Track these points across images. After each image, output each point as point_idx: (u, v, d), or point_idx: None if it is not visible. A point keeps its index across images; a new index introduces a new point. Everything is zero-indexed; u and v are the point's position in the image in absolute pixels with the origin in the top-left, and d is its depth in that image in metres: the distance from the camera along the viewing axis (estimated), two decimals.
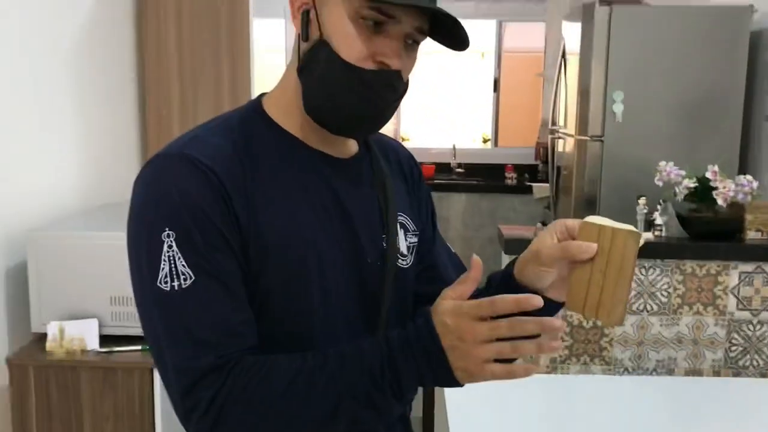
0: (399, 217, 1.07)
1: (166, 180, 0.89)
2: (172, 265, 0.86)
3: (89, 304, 1.97)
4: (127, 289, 1.99)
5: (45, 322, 1.96)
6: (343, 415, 0.88)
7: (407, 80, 0.97)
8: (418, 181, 1.17)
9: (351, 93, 0.92)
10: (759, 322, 2.62)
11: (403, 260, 1.06)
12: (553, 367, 2.66)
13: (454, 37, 0.94)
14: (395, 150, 1.16)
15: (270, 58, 3.08)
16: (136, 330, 1.98)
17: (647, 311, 2.62)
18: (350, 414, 0.88)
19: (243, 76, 2.75)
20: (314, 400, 0.88)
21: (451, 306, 0.88)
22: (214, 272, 0.88)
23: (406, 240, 1.07)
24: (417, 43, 0.95)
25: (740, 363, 2.64)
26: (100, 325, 1.96)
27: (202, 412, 0.88)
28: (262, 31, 2.90)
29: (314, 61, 0.93)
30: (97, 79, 2.50)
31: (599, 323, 2.63)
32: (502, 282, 1.04)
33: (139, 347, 1.95)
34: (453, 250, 1.24)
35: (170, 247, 0.86)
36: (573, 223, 1.00)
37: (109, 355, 1.93)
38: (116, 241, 1.98)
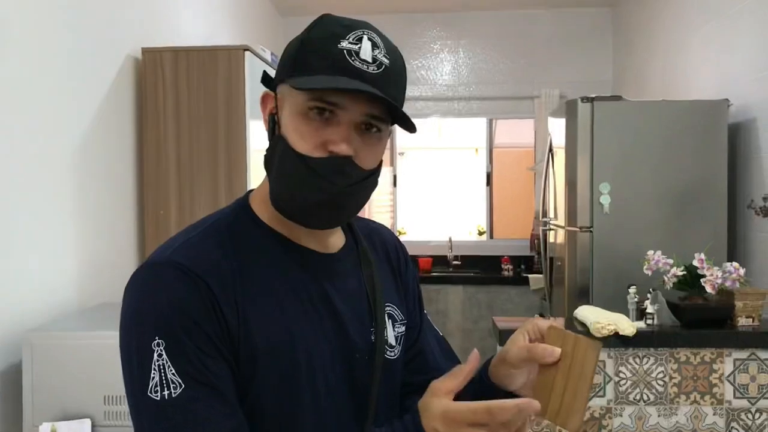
0: (387, 308, 1.08)
1: (155, 288, 0.91)
2: (162, 375, 0.87)
3: (82, 404, 1.97)
4: (121, 388, 1.99)
5: (37, 423, 1.95)
6: None
7: (372, 168, 0.98)
8: (404, 264, 1.18)
9: (302, 181, 0.94)
10: (758, 410, 2.60)
11: (391, 351, 1.07)
12: None
13: (406, 121, 0.97)
14: (381, 235, 1.18)
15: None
16: (129, 429, 1.97)
17: (644, 401, 2.60)
18: None
19: (239, 176, 2.83)
20: None
21: (442, 410, 0.89)
22: (205, 379, 0.89)
23: (394, 330, 1.08)
24: (379, 130, 0.96)
25: None
26: (93, 425, 1.95)
27: None
28: (258, 133, 3.01)
29: (273, 155, 0.98)
30: (97, 181, 2.58)
31: (596, 414, 2.61)
32: (475, 381, 1.04)
33: None
34: (441, 334, 1.24)
35: (160, 355, 0.87)
36: (545, 324, 1.02)
37: None
38: (111, 340, 2.00)
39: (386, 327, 1.06)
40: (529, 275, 4.93)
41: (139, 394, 0.89)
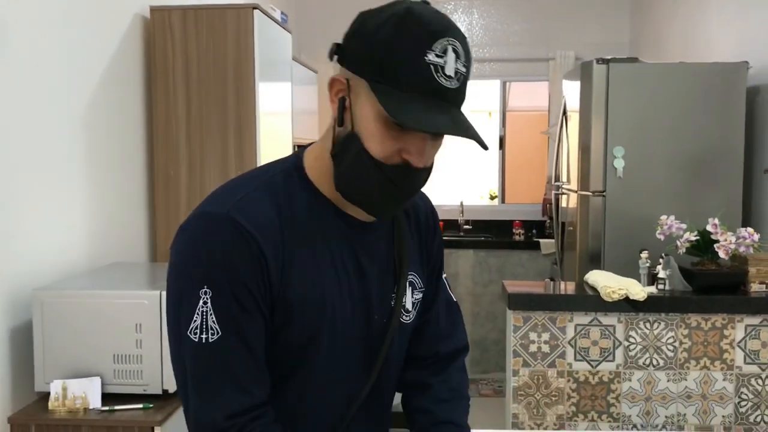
0: (409, 276, 1.14)
1: (212, 240, 0.98)
2: (204, 320, 0.97)
3: (92, 362, 1.99)
4: (130, 347, 2.01)
5: (48, 380, 1.97)
6: None
7: (432, 164, 1.04)
8: (432, 232, 1.23)
9: (375, 186, 1.00)
10: None
11: (406, 316, 1.14)
12: (560, 425, 2.62)
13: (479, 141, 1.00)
14: (416, 204, 1.22)
15: (275, 119, 3.16)
16: (138, 388, 1.99)
17: (653, 366, 2.60)
18: None
19: (249, 137, 2.81)
20: None
21: None
22: (241, 333, 0.98)
23: (412, 297, 1.15)
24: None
25: (751, 419, 2.60)
26: (103, 383, 1.97)
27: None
28: (268, 94, 2.98)
29: (345, 151, 1.00)
30: (107, 140, 2.57)
31: (605, 379, 2.60)
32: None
33: (141, 406, 1.95)
34: (454, 299, 1.29)
35: (205, 303, 0.96)
36: None
37: (111, 413, 1.93)
38: (121, 299, 2.02)
39: (406, 294, 1.13)
40: (541, 240, 4.90)
41: (178, 331, 0.99)
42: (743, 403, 2.59)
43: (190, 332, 0.97)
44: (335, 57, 1.01)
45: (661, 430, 2.58)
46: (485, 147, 0.99)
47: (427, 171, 1.02)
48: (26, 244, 2.11)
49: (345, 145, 1.00)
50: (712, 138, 3.18)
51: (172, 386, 1.99)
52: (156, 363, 1.97)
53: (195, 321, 0.97)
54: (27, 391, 2.03)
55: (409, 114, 0.93)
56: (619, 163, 3.16)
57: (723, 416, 2.60)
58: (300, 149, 1.13)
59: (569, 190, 3.66)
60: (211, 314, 0.96)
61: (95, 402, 1.95)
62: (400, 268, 1.12)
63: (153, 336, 1.97)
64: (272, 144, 3.03)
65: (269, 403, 1.03)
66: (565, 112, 3.77)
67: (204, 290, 0.97)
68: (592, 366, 2.60)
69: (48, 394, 1.96)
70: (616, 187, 3.18)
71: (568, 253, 3.75)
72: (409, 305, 1.14)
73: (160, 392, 1.98)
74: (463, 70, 0.97)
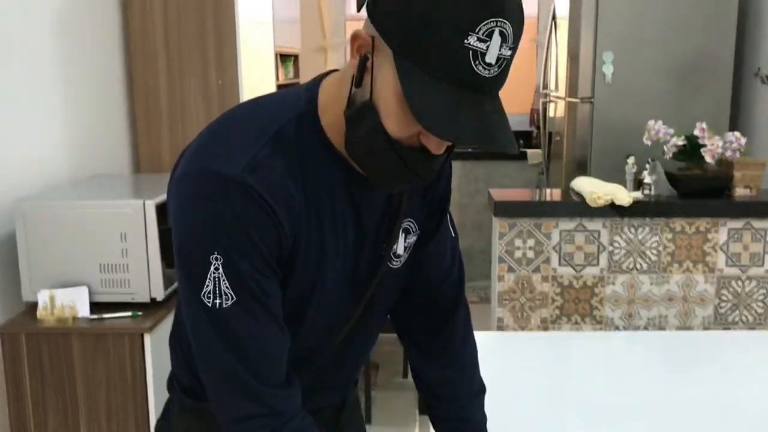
0: (405, 223, 1.09)
1: (222, 204, 0.90)
2: (216, 285, 0.91)
3: (79, 272, 1.99)
4: (116, 257, 2.01)
5: (35, 290, 1.98)
6: None
7: (452, 147, 0.94)
8: (441, 177, 1.14)
9: (387, 165, 0.91)
10: (748, 278, 2.63)
11: (396, 261, 1.09)
12: (543, 328, 2.68)
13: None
14: None
15: (255, 28, 3.07)
16: (126, 296, 2.00)
17: (637, 270, 2.63)
18: None
19: (229, 47, 2.74)
20: None
21: None
22: (256, 297, 0.93)
23: (405, 241, 1.09)
24: None
25: (729, 319, 2.66)
26: (90, 293, 1.98)
27: (284, 418, 0.96)
28: (248, 2, 2.88)
29: (359, 120, 0.90)
30: (83, 51, 2.50)
31: (589, 283, 2.65)
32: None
33: (129, 313, 1.97)
34: (455, 234, 1.21)
35: (216, 269, 0.91)
36: None
37: (100, 321, 1.95)
38: (105, 210, 2.01)
39: (397, 241, 1.08)
40: (528, 150, 4.89)
41: (191, 295, 0.93)
42: (723, 305, 2.65)
43: (204, 296, 0.92)
44: (364, 6, 0.88)
45: (642, 330, 2.65)
46: (515, 152, 0.89)
47: (445, 156, 0.93)
48: (5, 158, 2.07)
49: (360, 114, 0.89)
50: (702, 42, 3.12)
51: (159, 294, 2.00)
52: (143, 272, 1.98)
53: (207, 286, 0.91)
54: (15, 301, 2.04)
55: (431, 111, 0.82)
56: (608, 69, 3.11)
57: (703, 317, 2.66)
58: (317, 79, 1.01)
59: (557, 97, 3.62)
60: (223, 280, 0.91)
61: (84, 311, 1.96)
62: (394, 219, 1.06)
63: (138, 245, 1.97)
64: (253, 54, 2.95)
65: (296, 378, 1.00)
66: (554, 18, 3.69)
67: (215, 256, 0.90)
68: (576, 271, 2.64)
69: (36, 304, 1.97)
70: (605, 94, 3.14)
71: (554, 162, 3.74)
72: (400, 250, 1.09)
73: (148, 300, 2.00)
74: (508, 53, 0.83)
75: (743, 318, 2.65)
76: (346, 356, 1.12)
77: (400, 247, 1.08)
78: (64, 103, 2.38)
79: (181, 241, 0.93)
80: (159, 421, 1.18)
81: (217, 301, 0.91)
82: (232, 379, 0.94)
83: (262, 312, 0.93)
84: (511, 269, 2.64)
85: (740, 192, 2.62)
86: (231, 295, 0.91)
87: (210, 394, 0.98)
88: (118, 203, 2.01)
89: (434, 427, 1.21)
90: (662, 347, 1.96)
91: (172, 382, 1.14)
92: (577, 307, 2.66)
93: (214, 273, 0.90)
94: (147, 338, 1.92)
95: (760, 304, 2.64)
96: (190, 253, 0.92)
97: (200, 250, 0.91)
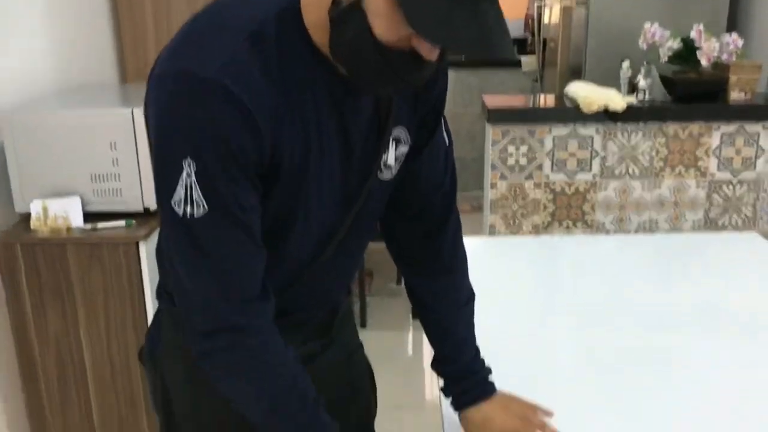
0: (395, 131, 1.04)
1: (197, 106, 0.84)
2: (188, 192, 0.86)
3: (70, 183, 1.98)
4: (107, 166, 2.00)
5: (28, 201, 1.97)
6: None
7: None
8: (434, 79, 1.08)
9: (374, 70, 0.85)
10: (739, 182, 2.65)
11: (386, 172, 1.05)
12: (535, 234, 2.71)
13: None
14: None
15: None
16: (119, 206, 2.00)
17: (629, 175, 2.64)
18: None
19: None
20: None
21: None
22: (231, 209, 0.88)
23: (396, 151, 1.05)
24: None
25: (719, 223, 2.69)
26: (83, 203, 1.98)
27: (215, 359, 0.95)
28: None
29: (345, 21, 0.84)
30: None
31: (581, 189, 2.66)
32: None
33: (123, 222, 1.98)
34: (448, 141, 1.16)
35: (189, 175, 0.86)
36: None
37: (94, 231, 1.96)
38: (93, 119, 1.98)
39: (387, 151, 1.03)
40: (522, 57, 4.81)
41: (163, 200, 0.89)
42: (713, 209, 2.68)
43: (174, 204, 0.87)
44: None
45: (632, 233, 2.68)
46: (514, 58, 0.83)
47: (438, 62, 0.87)
48: None
49: (346, 14, 0.83)
50: None
51: (152, 204, 2.00)
52: (134, 181, 1.97)
53: (177, 192, 0.86)
54: (8, 213, 2.04)
55: (424, 13, 0.77)
56: None
57: (693, 221, 2.69)
58: None
59: (553, 0, 3.54)
60: (195, 188, 0.86)
61: (77, 221, 1.97)
62: (384, 127, 1.01)
63: (129, 154, 1.95)
64: None
65: (269, 292, 0.97)
66: None
67: (187, 161, 0.85)
68: (568, 177, 2.64)
69: (29, 215, 1.97)
70: None
71: (549, 69, 3.68)
72: (391, 160, 1.04)
73: (141, 209, 2.00)
74: None
75: (733, 222, 2.68)
76: (336, 268, 1.10)
77: (390, 157, 1.03)
78: (48, 15, 2.30)
79: (155, 144, 0.89)
80: (150, 329, 1.17)
81: (188, 209, 0.87)
82: (199, 290, 0.91)
83: (234, 225, 0.89)
84: (503, 176, 2.65)
85: (735, 96, 2.60)
86: (202, 204, 0.86)
87: (176, 300, 0.97)
88: (106, 112, 1.98)
89: (426, 335, 1.22)
90: (652, 250, 1.99)
91: (161, 291, 1.13)
92: (569, 213, 2.68)
93: (186, 179, 0.86)
94: (142, 246, 1.94)
95: (750, 208, 2.66)
96: (164, 157, 0.88)
97: (173, 154, 0.86)
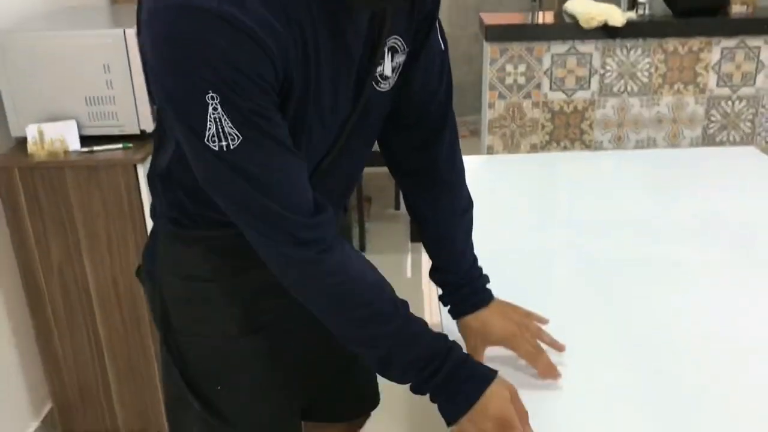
0: (391, 41, 1.02)
1: (204, 39, 0.81)
2: (219, 127, 0.85)
3: (65, 106, 1.96)
4: (101, 89, 1.98)
5: (23, 125, 1.96)
6: (380, 356, 0.99)
7: None
8: None
9: None
10: (738, 98, 2.63)
11: (384, 83, 1.04)
12: (533, 153, 2.70)
13: None
14: None
15: None
16: (115, 129, 1.99)
17: (628, 92, 2.62)
18: (384, 359, 0.99)
19: None
20: (373, 334, 0.99)
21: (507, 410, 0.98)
22: (262, 130, 0.87)
23: (393, 61, 1.04)
24: None
25: (717, 139, 2.69)
26: (79, 126, 1.97)
27: (308, 265, 0.95)
28: None
29: None
30: None
31: (580, 107, 2.64)
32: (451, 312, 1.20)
33: (120, 145, 1.97)
34: (443, 46, 1.15)
35: (215, 109, 0.84)
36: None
37: (91, 154, 1.95)
38: (84, 40, 1.94)
39: (383, 61, 1.02)
40: None
41: (197, 143, 0.87)
42: (711, 125, 2.67)
43: (208, 140, 0.86)
44: None
45: (630, 150, 2.68)
46: None
47: None
48: None
49: None
50: None
51: (148, 126, 1.99)
52: (129, 103, 1.95)
53: (209, 129, 0.85)
54: (3, 137, 2.03)
55: None
56: None
57: (691, 138, 2.68)
58: None
59: None
60: (225, 120, 0.85)
61: (74, 144, 1.96)
62: (379, 38, 0.99)
63: (123, 76, 1.93)
64: None
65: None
66: None
67: (209, 95, 0.83)
68: (567, 95, 2.62)
69: (25, 139, 1.97)
70: None
71: None
72: (388, 71, 1.03)
73: (138, 132, 1.99)
74: None
75: (731, 138, 2.68)
76: (336, 184, 1.10)
77: (387, 68, 1.03)
78: None
79: (169, 89, 0.86)
80: (146, 246, 1.18)
81: (223, 143, 0.86)
82: (264, 216, 0.91)
83: (272, 143, 0.89)
84: (501, 96, 2.63)
85: (737, 9, 2.55)
86: (236, 134, 0.86)
87: (249, 238, 0.95)
88: (97, 33, 1.94)
89: (425, 246, 1.23)
90: (651, 165, 2.00)
91: (154, 212, 1.14)
92: (567, 132, 2.67)
93: (213, 114, 0.84)
94: (140, 169, 1.94)
95: (748, 123, 2.66)
96: (182, 100, 0.86)
97: (192, 94, 0.84)
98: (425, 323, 1.01)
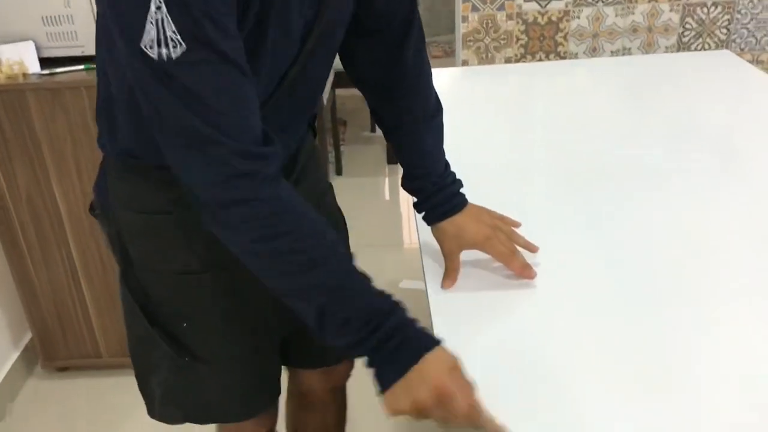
0: None
1: None
2: (160, 30, 0.74)
3: (21, 27, 1.88)
4: (58, 7, 1.90)
5: None
6: (315, 310, 0.87)
7: None
8: None
9: None
10: (714, 3, 2.59)
11: None
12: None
13: None
14: None
15: None
16: (75, 50, 1.92)
17: (602, 2, 2.57)
18: (319, 314, 0.87)
19: None
20: (308, 282, 0.87)
21: (458, 378, 0.86)
22: (210, 38, 0.76)
23: None
24: None
25: (692, 47, 2.66)
26: (37, 48, 1.89)
27: (233, 216, 0.84)
28: None
29: None
30: None
31: (554, 18, 2.59)
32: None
33: (82, 66, 1.91)
34: None
35: (158, 8, 0.73)
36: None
37: (52, 76, 1.88)
38: None
39: None
40: None
41: (131, 45, 0.76)
42: (686, 33, 2.64)
43: (146, 47, 0.74)
44: None
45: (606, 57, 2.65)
46: None
47: None
48: None
49: None
50: None
51: None
52: (89, 23, 1.88)
53: (148, 33, 0.73)
54: None
55: None
56: None
57: (666, 47, 2.65)
58: None
59: None
60: (168, 22, 0.73)
61: (34, 66, 1.89)
62: None
63: None
64: None
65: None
66: None
67: None
68: (541, 6, 2.57)
69: None
70: None
71: None
72: None
73: None
74: None
75: (706, 45, 2.65)
76: (306, 91, 1.05)
77: None
78: None
79: None
80: (96, 180, 1.12)
81: (163, 51, 0.74)
82: (197, 142, 0.80)
83: (221, 59, 0.77)
84: (475, 8, 2.57)
85: None
86: (179, 41, 0.74)
87: (174, 165, 0.84)
88: None
89: (397, 157, 1.19)
90: (626, 71, 1.98)
91: (102, 142, 1.07)
92: (542, 44, 2.63)
93: (155, 14, 0.73)
94: None
95: (724, 30, 2.62)
96: None
97: None
98: (370, 279, 0.90)
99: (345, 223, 1.35)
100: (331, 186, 1.32)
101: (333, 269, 0.88)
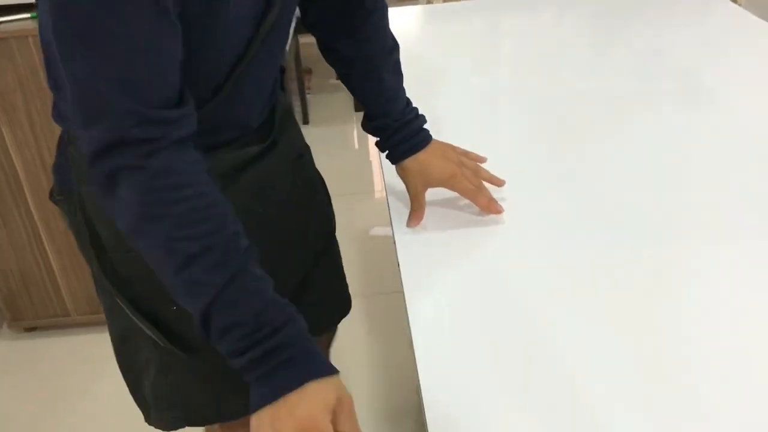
0: None
1: None
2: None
3: None
4: None
5: None
6: (200, 308, 0.74)
7: None
8: None
9: None
10: None
11: None
12: None
13: None
14: None
15: None
16: None
17: None
18: (204, 314, 0.75)
19: None
20: (194, 274, 0.73)
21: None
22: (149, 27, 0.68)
23: None
24: None
25: None
26: None
27: (125, 171, 0.73)
28: None
29: None
30: None
31: None
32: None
33: (29, 15, 1.82)
34: None
35: None
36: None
37: None
38: None
39: None
40: None
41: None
42: None
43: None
44: None
45: None
46: None
47: None
48: None
49: None
50: None
51: None
52: None
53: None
54: None
55: None
56: None
57: None
58: None
59: None
60: None
61: None
62: None
63: None
64: None
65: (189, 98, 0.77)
66: None
67: None
68: None
69: None
70: None
71: None
72: None
73: None
74: None
75: None
76: (272, 52, 0.97)
77: None
78: None
79: None
80: (56, 160, 1.05)
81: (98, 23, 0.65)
82: (94, 94, 0.70)
83: (144, 2, 0.67)
84: None
85: None
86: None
87: (70, 117, 0.75)
88: None
89: (356, 96, 1.14)
90: (596, 4, 1.94)
91: (59, 113, 0.99)
92: None
93: None
94: None
95: None
96: None
97: None
98: (270, 283, 0.76)
99: (325, 186, 1.27)
100: (308, 148, 1.25)
101: (225, 265, 0.74)
